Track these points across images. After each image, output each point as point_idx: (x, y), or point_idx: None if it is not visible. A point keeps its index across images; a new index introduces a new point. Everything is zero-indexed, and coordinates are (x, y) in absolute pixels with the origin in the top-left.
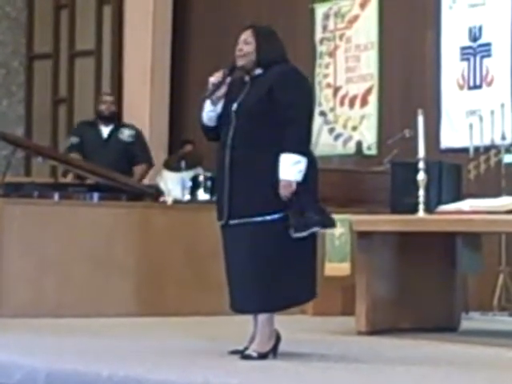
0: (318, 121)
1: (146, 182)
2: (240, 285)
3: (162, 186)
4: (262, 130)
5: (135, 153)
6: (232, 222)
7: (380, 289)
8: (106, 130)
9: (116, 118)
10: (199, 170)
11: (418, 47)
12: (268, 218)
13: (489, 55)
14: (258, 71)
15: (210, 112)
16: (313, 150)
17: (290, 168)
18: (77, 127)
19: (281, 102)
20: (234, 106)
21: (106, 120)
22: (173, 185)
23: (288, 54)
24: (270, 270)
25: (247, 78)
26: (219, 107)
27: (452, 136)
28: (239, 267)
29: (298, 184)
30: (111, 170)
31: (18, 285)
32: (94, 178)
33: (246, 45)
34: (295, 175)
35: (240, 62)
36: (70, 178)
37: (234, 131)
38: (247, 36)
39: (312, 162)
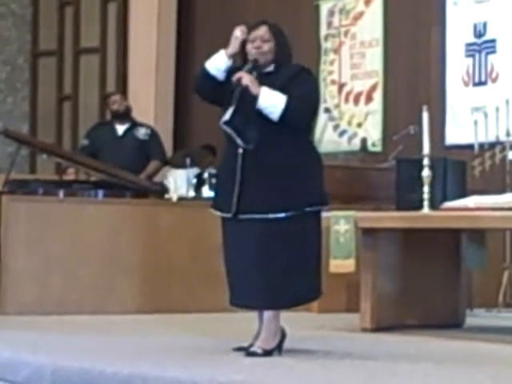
0: (322, 117)
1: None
2: (248, 280)
3: (169, 182)
4: (276, 126)
5: (150, 150)
6: (242, 216)
7: (385, 285)
8: (121, 128)
9: (131, 116)
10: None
11: (423, 44)
12: (280, 215)
13: (494, 51)
14: (270, 68)
15: (221, 65)
16: (317, 146)
17: (271, 93)
18: (91, 129)
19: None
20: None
21: (122, 118)
22: (180, 182)
23: (293, 51)
24: (280, 267)
25: (255, 74)
26: (225, 66)
27: (457, 132)
28: (248, 263)
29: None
30: (125, 166)
31: (23, 282)
32: (98, 175)
33: (264, 43)
34: (266, 95)
35: (260, 61)
36: (72, 175)
37: (260, 130)
38: (263, 33)
39: (317, 157)
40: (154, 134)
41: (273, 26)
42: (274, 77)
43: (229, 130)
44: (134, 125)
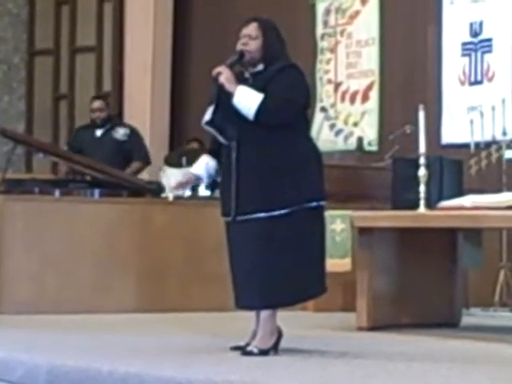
0: (318, 117)
1: (146, 178)
2: (245, 281)
3: (164, 181)
4: (267, 127)
5: (130, 151)
6: (239, 218)
7: (381, 285)
8: (99, 130)
9: (110, 121)
10: None
11: (419, 43)
12: (274, 213)
13: (490, 51)
14: (260, 67)
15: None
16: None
17: (246, 94)
18: (73, 132)
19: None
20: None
21: (101, 125)
22: (170, 181)
23: (289, 50)
24: (276, 266)
25: (247, 75)
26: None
27: (453, 132)
28: (244, 264)
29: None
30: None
31: (20, 281)
32: (94, 174)
33: (252, 40)
34: (241, 96)
35: (246, 57)
36: (63, 173)
37: (239, 128)
38: (252, 30)
39: (314, 152)
40: (133, 135)
41: (264, 23)
42: (262, 76)
43: (211, 129)
44: (113, 125)
